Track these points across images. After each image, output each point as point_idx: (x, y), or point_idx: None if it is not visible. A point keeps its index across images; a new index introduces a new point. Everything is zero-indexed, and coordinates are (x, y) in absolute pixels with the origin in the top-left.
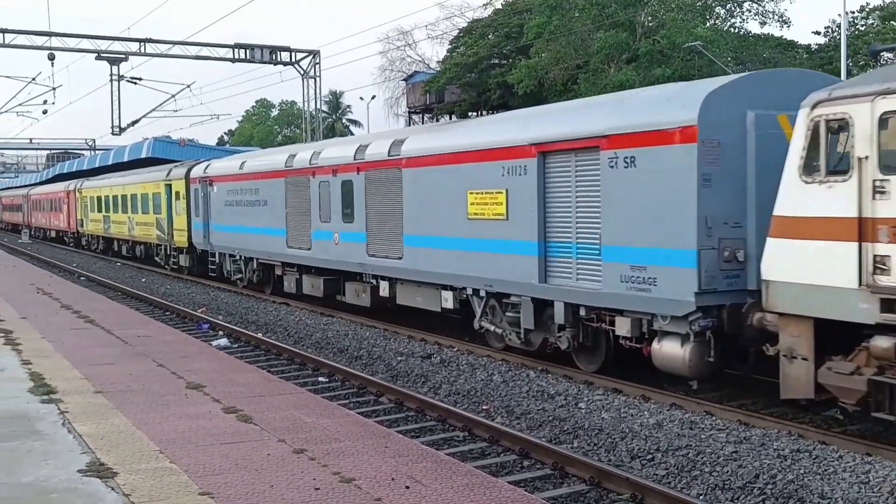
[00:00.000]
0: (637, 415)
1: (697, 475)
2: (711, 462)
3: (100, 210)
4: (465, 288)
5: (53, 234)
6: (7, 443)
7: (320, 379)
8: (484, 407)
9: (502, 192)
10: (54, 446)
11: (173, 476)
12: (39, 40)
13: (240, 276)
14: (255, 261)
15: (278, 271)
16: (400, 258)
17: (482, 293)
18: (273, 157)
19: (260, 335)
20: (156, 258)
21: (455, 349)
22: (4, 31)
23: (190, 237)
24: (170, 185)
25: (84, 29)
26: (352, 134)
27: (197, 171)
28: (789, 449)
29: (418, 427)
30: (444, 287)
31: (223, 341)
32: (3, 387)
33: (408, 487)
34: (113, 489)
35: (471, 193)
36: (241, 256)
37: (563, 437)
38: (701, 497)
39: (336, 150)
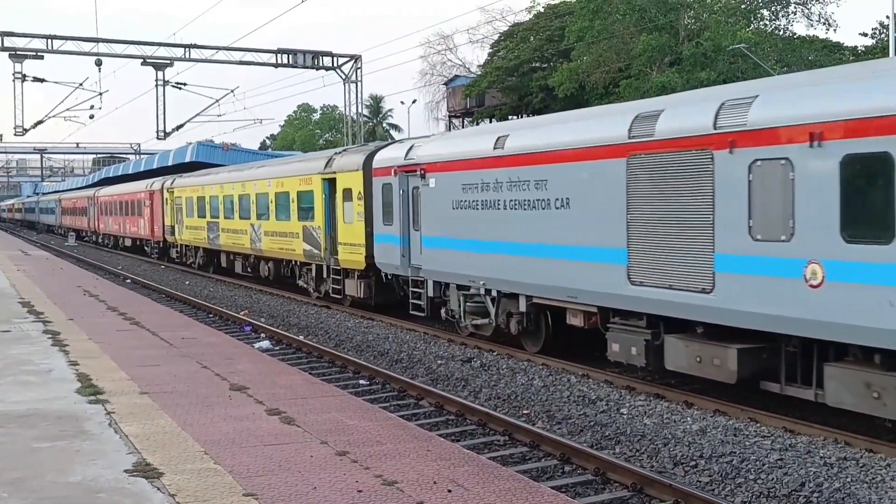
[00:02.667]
0: (680, 421)
1: (742, 482)
2: (756, 469)
3: (202, 214)
4: None
5: (129, 243)
6: (56, 442)
7: (361, 382)
8: (524, 411)
9: None
10: (101, 446)
11: (218, 477)
12: (87, 46)
13: (483, 320)
14: (522, 299)
15: (576, 320)
16: None
17: None
18: (586, 125)
19: (301, 338)
20: (299, 282)
21: (495, 353)
22: (53, 37)
23: (369, 255)
24: (332, 180)
25: (130, 35)
26: (392, 139)
27: (389, 157)
28: (836, 457)
29: (459, 431)
30: None
31: (265, 343)
32: (51, 387)
33: (450, 491)
34: (159, 489)
35: None
36: (489, 290)
37: (604, 442)
38: None
39: (819, 94)
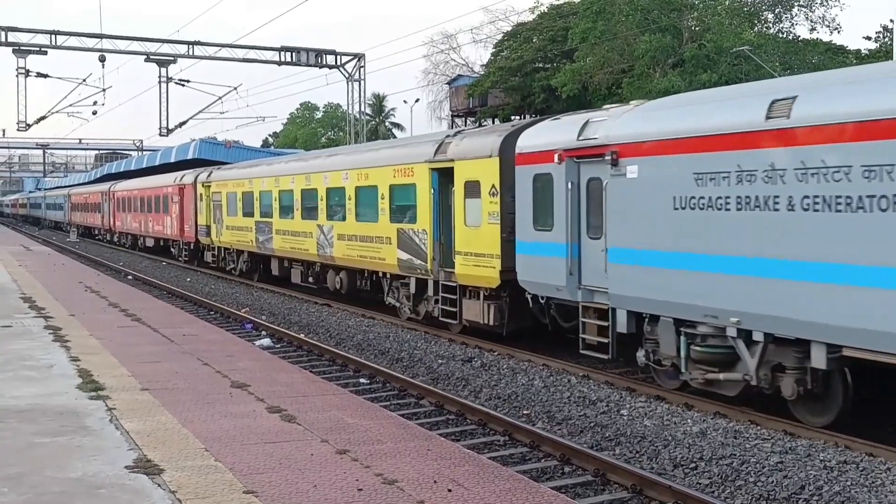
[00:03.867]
0: (680, 423)
1: (742, 485)
2: (756, 472)
3: (248, 212)
4: None
5: (150, 244)
6: (57, 438)
7: (362, 380)
8: (525, 412)
9: None
10: (102, 442)
11: (218, 474)
12: (91, 42)
13: (725, 374)
14: (818, 349)
15: None
16: None
17: None
18: None
19: (302, 336)
20: (387, 299)
21: (496, 353)
22: (57, 32)
23: (506, 269)
24: (445, 170)
25: (134, 31)
26: (395, 137)
27: (549, 139)
28: (836, 460)
29: (459, 430)
30: None
31: (266, 341)
32: (52, 383)
33: (450, 490)
34: (159, 486)
35: None
36: (746, 332)
37: (604, 443)
38: None
39: None
